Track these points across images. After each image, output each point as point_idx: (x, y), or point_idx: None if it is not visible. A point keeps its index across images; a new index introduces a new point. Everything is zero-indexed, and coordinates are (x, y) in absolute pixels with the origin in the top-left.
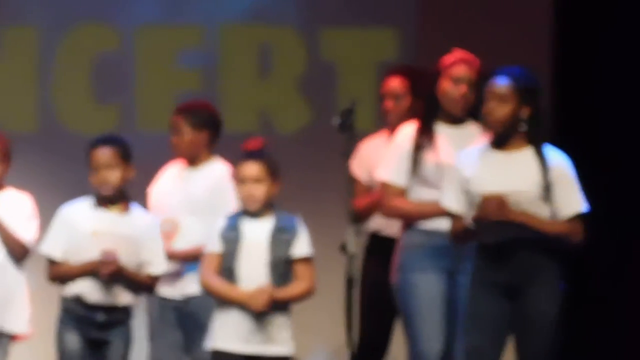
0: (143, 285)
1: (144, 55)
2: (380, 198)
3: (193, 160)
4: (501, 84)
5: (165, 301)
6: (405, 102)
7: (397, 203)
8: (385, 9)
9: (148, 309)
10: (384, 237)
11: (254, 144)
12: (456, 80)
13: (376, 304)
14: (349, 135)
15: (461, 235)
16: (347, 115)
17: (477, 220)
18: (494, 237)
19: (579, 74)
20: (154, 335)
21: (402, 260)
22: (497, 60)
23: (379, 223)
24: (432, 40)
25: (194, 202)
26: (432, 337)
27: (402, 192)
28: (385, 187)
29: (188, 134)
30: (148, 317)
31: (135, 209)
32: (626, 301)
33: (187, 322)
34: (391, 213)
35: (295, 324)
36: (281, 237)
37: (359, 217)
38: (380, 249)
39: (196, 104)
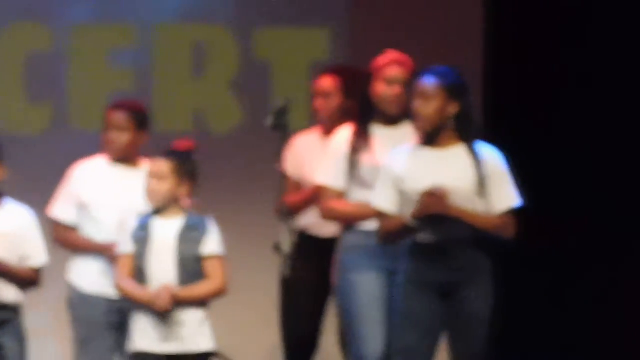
0: (26, 279)
1: (77, 54)
2: (319, 201)
3: (127, 160)
4: (427, 82)
5: (111, 303)
6: (335, 101)
7: (336, 205)
8: (319, 8)
9: (77, 312)
10: (312, 236)
11: (177, 143)
12: (389, 82)
13: (306, 303)
14: (283, 134)
15: (393, 234)
16: (281, 115)
17: (417, 215)
18: (430, 236)
19: (510, 70)
20: (90, 338)
21: (342, 261)
22: (429, 59)
23: (307, 222)
24: (365, 39)
25: (142, 204)
26: (374, 337)
27: (340, 195)
28: (323, 190)
29: (131, 132)
30: (77, 321)
31: (9, 204)
32: (558, 298)
33: (127, 323)
34: (330, 215)
35: (228, 323)
36: (190, 236)
37: (288, 213)
38: (308, 248)
39: (137, 103)
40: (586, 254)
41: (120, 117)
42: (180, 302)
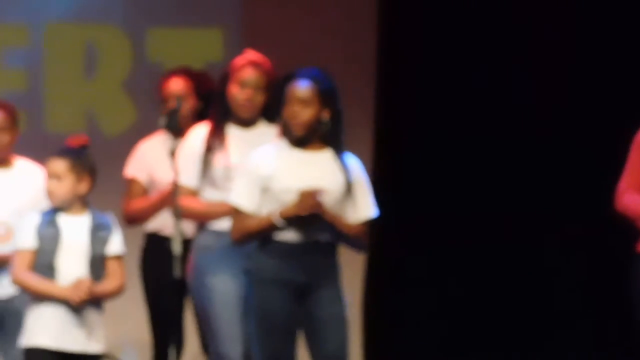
0: None
1: None
2: (171, 199)
3: (4, 160)
4: (303, 87)
5: None
6: (188, 103)
7: (189, 203)
8: (212, 9)
9: None
10: (162, 237)
11: (70, 140)
12: (242, 84)
13: (158, 302)
14: (175, 135)
15: (250, 233)
16: (173, 116)
17: (288, 215)
18: (291, 236)
19: (402, 74)
20: None
21: (196, 262)
22: (321, 60)
23: (156, 223)
24: (258, 39)
25: (23, 203)
26: (233, 338)
27: (193, 193)
28: (177, 188)
29: (13, 132)
30: None
31: None
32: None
33: (9, 321)
34: (184, 213)
35: (112, 323)
36: (99, 234)
37: (135, 219)
38: (156, 249)
39: (9, 102)
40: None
41: (2, 118)
42: (94, 297)
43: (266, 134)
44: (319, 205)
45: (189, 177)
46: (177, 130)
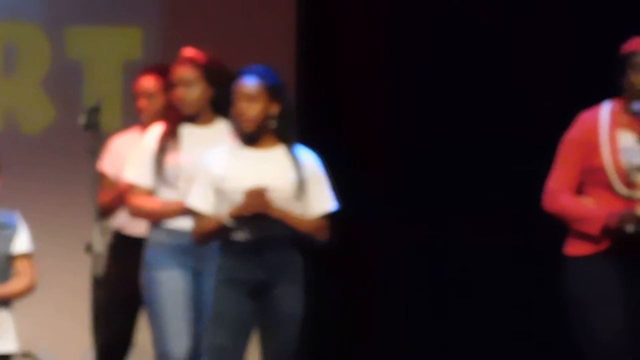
0: None
1: None
2: (126, 198)
3: None
4: (250, 83)
5: None
6: (159, 101)
7: (141, 202)
8: (131, 7)
9: None
10: (127, 235)
11: None
12: (176, 84)
13: (119, 302)
14: (95, 133)
15: (208, 234)
16: (93, 114)
17: (236, 215)
18: (246, 234)
19: (323, 71)
20: None
21: (147, 259)
22: (243, 57)
23: (121, 221)
24: (178, 38)
25: None
26: (178, 335)
27: (147, 192)
28: (131, 187)
29: None
30: None
31: None
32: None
33: None
34: (136, 212)
35: (40, 324)
36: (3, 233)
37: (103, 212)
38: (123, 248)
39: None
40: (398, 257)
41: None
42: (2, 298)
43: (223, 131)
44: (264, 203)
45: (142, 176)
46: (97, 129)
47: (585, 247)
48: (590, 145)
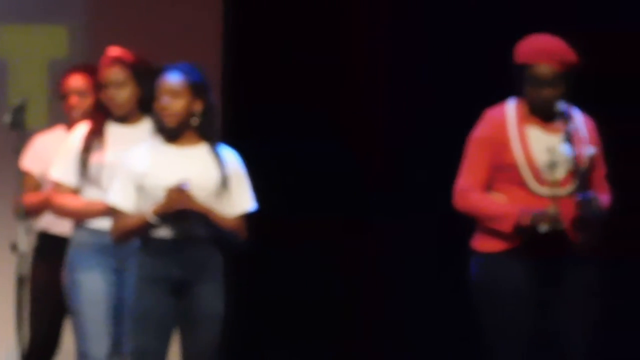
0: None
1: None
2: (51, 196)
3: None
4: (173, 79)
5: None
6: (90, 99)
7: (66, 201)
8: (56, 6)
9: None
10: (52, 235)
11: None
12: (104, 85)
13: (45, 303)
14: (20, 132)
15: (128, 232)
16: (18, 113)
17: (159, 213)
18: (167, 232)
19: (250, 70)
20: None
21: (69, 259)
22: (169, 55)
23: (47, 221)
24: (104, 36)
25: None
26: (98, 336)
27: (72, 191)
28: (56, 186)
29: None
30: None
31: None
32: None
33: None
34: (60, 212)
35: None
36: None
37: (28, 212)
38: (48, 248)
39: None
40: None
41: None
42: None
43: (149, 130)
44: (186, 200)
45: (67, 175)
46: (22, 128)
47: (495, 244)
48: (500, 143)
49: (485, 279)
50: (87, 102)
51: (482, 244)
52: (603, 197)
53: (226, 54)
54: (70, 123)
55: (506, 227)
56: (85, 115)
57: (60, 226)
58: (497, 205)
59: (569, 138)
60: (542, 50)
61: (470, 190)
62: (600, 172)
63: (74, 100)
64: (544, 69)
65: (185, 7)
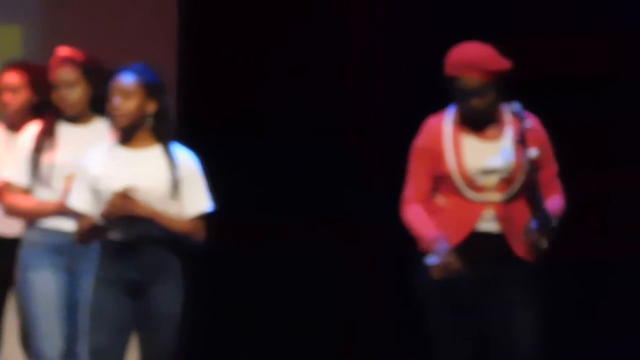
0: None
1: None
2: (1, 196)
3: None
4: (126, 79)
5: None
6: (23, 96)
7: (16, 201)
8: (10, 5)
9: None
10: (1, 236)
11: None
12: (55, 85)
13: None
14: None
15: (88, 233)
16: None
17: (106, 216)
18: (121, 234)
19: (205, 70)
20: None
21: (21, 259)
22: (124, 56)
23: None
24: (58, 37)
25: None
26: (51, 336)
27: (23, 191)
28: (7, 185)
29: None
30: None
31: None
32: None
33: None
34: (11, 211)
35: None
36: None
37: None
38: None
39: None
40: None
41: None
42: None
43: (101, 130)
44: (130, 205)
45: (19, 175)
46: None
47: None
48: (436, 152)
49: (428, 281)
50: (20, 99)
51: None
52: (553, 197)
53: (182, 54)
54: (4, 120)
55: (423, 249)
56: (20, 112)
57: (9, 226)
58: (422, 226)
59: (523, 139)
60: (465, 62)
61: (409, 203)
62: (550, 170)
63: (6, 97)
64: (469, 81)
65: (140, 6)
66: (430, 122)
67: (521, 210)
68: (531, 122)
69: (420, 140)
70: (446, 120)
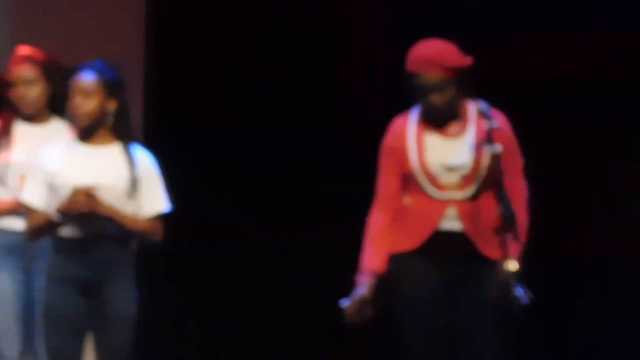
0: None
1: None
2: None
3: None
4: (86, 78)
5: None
6: None
7: None
8: None
9: None
10: None
11: None
12: (14, 83)
13: None
14: None
15: (40, 229)
16: None
17: (63, 211)
18: (74, 231)
19: (172, 69)
20: None
21: None
22: (92, 54)
23: None
24: (24, 35)
25: None
26: (9, 335)
27: None
28: None
29: None
30: None
31: None
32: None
33: None
34: None
35: None
36: None
37: None
38: None
39: None
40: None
41: None
42: None
43: (58, 130)
44: (89, 202)
45: None
46: None
47: (403, 244)
48: (401, 151)
49: (394, 278)
50: None
51: (393, 244)
52: (516, 196)
53: (148, 50)
54: None
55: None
56: None
57: None
58: (368, 245)
59: (491, 138)
60: (425, 59)
61: (375, 210)
62: (515, 164)
63: None
64: (429, 77)
65: (107, 4)
66: (396, 122)
67: (486, 208)
68: (498, 121)
69: (387, 140)
70: (411, 119)
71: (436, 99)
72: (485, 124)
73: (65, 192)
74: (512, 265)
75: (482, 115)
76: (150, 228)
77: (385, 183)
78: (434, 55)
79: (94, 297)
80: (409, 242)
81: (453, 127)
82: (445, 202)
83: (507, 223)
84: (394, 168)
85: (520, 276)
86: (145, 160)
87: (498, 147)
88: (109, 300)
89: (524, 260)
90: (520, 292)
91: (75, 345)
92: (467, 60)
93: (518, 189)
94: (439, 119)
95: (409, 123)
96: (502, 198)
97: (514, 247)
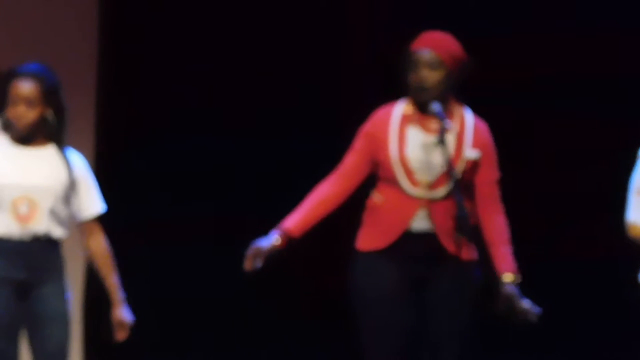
0: None
1: None
2: None
3: None
4: (28, 87)
5: None
6: None
7: None
8: None
9: None
10: None
11: None
12: None
13: None
14: None
15: None
16: None
17: None
18: (12, 233)
19: (125, 69)
20: None
21: None
22: (41, 54)
23: None
24: None
25: None
26: None
27: None
28: None
29: None
30: None
31: None
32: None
33: None
34: None
35: None
36: None
37: None
38: None
39: None
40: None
41: None
42: None
43: None
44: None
45: None
46: None
47: (369, 242)
48: (380, 139)
49: (358, 278)
50: None
51: (358, 242)
52: (495, 221)
53: (101, 50)
54: None
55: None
56: None
57: None
58: (298, 209)
59: (442, 139)
60: (429, 37)
61: (326, 179)
62: (489, 175)
63: None
64: (428, 53)
65: (59, 3)
66: (380, 111)
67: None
68: (451, 122)
69: (367, 126)
70: (395, 110)
71: (425, 73)
72: (443, 124)
73: (2, 194)
74: (508, 277)
75: (436, 116)
76: (89, 231)
77: (349, 160)
78: (439, 37)
79: (27, 298)
80: (378, 241)
81: (435, 124)
82: (417, 202)
83: (459, 224)
84: (365, 152)
85: (520, 286)
86: (78, 162)
87: (474, 153)
88: (41, 302)
89: (520, 269)
90: (527, 304)
91: (11, 347)
92: (466, 56)
93: (492, 199)
94: (421, 97)
95: (393, 114)
96: (456, 199)
97: (508, 259)
